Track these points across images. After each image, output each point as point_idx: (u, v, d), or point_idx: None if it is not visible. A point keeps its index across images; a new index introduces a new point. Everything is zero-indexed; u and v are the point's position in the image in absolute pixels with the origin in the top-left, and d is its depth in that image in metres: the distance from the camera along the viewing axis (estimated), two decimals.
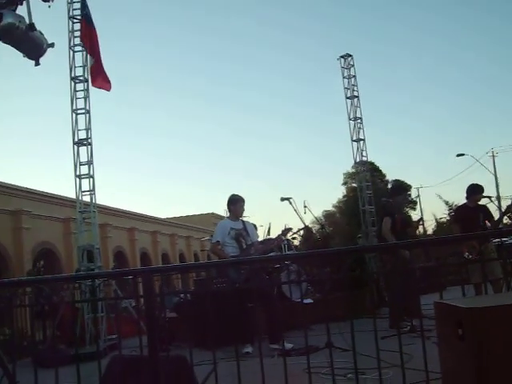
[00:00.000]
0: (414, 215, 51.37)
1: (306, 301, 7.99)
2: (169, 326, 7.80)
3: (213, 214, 47.07)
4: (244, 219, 7.69)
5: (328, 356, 3.71)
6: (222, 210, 44.21)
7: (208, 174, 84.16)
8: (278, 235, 7.70)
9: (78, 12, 10.51)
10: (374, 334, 3.55)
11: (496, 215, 8.95)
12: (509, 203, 11.18)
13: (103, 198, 34.39)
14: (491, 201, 8.94)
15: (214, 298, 6.64)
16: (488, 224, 8.30)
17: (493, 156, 39.44)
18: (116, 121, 68.58)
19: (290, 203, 7.54)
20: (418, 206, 55.77)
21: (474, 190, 8.46)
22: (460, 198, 8.59)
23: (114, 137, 69.19)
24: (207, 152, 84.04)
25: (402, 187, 8.05)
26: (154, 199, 79.73)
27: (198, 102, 78.79)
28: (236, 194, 7.67)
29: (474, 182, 8.77)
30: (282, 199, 7.65)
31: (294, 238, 7.90)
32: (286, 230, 7.63)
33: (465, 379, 2.75)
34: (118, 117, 65.67)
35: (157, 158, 79.64)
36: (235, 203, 7.56)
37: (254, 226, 8.53)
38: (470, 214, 7.76)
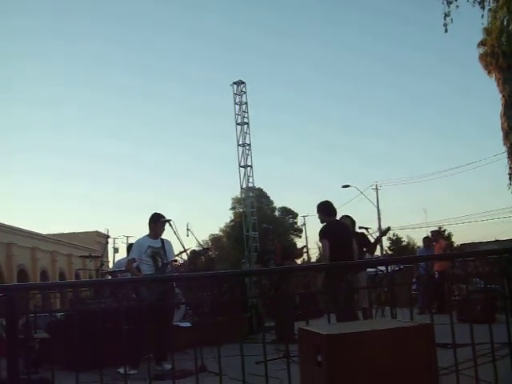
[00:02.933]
0: (299, 243, 52.86)
1: (183, 324, 7.95)
2: (40, 348, 7.49)
3: (97, 232, 45.77)
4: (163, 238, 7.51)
5: (203, 379, 4.11)
6: (103, 228, 43.06)
7: (92, 190, 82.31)
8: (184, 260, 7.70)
9: None
10: (241, 359, 3.68)
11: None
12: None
13: None
14: (368, 233, 9.26)
15: (86, 318, 6.42)
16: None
17: (376, 189, 41.34)
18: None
19: (170, 225, 7.43)
20: (303, 234, 57.49)
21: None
22: None
23: None
24: (94, 167, 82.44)
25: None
26: (34, 214, 76.65)
27: (89, 113, 77.42)
28: (159, 212, 7.52)
29: None
30: (163, 221, 7.50)
31: (175, 261, 7.75)
32: (196, 252, 7.59)
33: None
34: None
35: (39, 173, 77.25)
36: (157, 222, 7.41)
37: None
38: None
